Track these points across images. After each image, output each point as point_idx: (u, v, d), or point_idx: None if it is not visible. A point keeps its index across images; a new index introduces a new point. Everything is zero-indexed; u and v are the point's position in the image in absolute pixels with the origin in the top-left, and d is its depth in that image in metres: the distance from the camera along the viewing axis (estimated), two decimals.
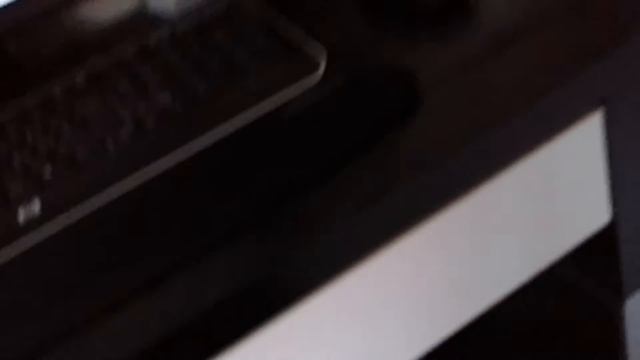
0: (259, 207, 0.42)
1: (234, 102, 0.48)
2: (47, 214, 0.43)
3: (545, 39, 0.48)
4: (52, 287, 0.40)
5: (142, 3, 0.72)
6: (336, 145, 0.44)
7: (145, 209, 0.44)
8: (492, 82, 0.46)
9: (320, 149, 0.44)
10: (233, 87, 0.49)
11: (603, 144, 0.49)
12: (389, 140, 0.44)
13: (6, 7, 0.57)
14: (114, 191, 0.44)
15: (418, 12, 0.54)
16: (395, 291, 0.45)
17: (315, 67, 0.48)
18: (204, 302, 0.38)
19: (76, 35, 0.70)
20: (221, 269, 0.39)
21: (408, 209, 0.42)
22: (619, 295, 0.59)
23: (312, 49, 0.50)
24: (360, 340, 0.45)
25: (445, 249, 0.46)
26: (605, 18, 0.48)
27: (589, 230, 0.53)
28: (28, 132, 0.49)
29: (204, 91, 0.49)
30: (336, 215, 0.40)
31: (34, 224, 0.43)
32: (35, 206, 0.44)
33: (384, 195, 0.41)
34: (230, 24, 0.55)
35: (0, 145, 0.48)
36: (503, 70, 0.47)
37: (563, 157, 0.48)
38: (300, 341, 0.43)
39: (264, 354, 0.41)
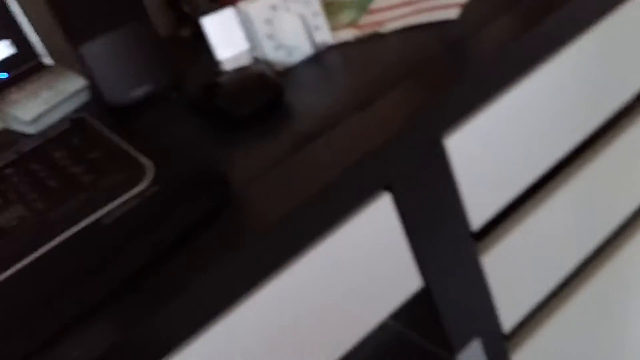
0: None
1: (68, 214, 0.53)
2: None
3: (337, 135, 0.56)
4: None
5: (7, 124, 0.78)
6: (158, 235, 0.51)
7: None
8: (293, 175, 0.53)
9: (144, 240, 0.50)
10: (68, 201, 0.54)
11: (398, 222, 0.57)
12: (207, 227, 0.51)
13: None
14: None
15: (238, 120, 0.61)
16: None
17: (142, 177, 0.55)
18: None
19: None
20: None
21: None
22: (450, 351, 0.65)
23: (141, 161, 0.56)
24: None
25: (273, 322, 0.52)
26: (385, 115, 0.57)
27: (404, 295, 0.59)
28: None
29: (41, 207, 0.54)
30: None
31: None
32: None
33: (190, 282, 0.47)
34: (71, 142, 0.61)
35: None
36: (302, 164, 0.54)
37: (364, 233, 0.55)
38: None
39: None
